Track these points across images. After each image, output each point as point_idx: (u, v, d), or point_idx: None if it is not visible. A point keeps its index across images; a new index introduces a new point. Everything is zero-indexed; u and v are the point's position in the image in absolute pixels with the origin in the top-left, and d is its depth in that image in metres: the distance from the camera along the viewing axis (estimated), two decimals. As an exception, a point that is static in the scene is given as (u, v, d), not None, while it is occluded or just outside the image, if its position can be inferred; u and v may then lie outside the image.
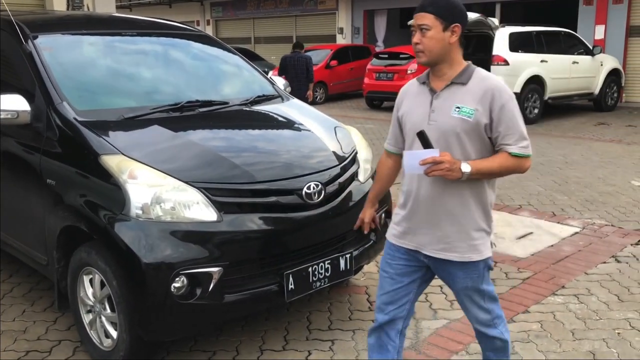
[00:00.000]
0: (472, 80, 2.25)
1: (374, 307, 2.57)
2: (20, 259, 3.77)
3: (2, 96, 3.16)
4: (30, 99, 3.26)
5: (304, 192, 3.04)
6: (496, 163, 2.23)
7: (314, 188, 3.08)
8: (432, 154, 2.13)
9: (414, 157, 2.17)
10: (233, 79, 4.29)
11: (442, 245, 2.32)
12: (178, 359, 3.19)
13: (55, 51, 3.54)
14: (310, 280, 3.08)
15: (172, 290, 2.71)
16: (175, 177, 2.83)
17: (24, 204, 3.45)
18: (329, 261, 3.14)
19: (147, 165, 2.86)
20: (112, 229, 2.77)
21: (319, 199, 3.10)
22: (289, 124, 3.74)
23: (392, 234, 2.45)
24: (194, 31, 4.49)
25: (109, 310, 2.97)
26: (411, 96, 2.39)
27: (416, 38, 2.24)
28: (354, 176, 3.47)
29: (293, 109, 3.95)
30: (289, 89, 4.52)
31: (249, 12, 24.92)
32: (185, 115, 3.47)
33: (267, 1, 23.81)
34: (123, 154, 2.90)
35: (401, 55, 14.55)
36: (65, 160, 3.11)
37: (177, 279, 2.72)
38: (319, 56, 16.97)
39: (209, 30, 26.85)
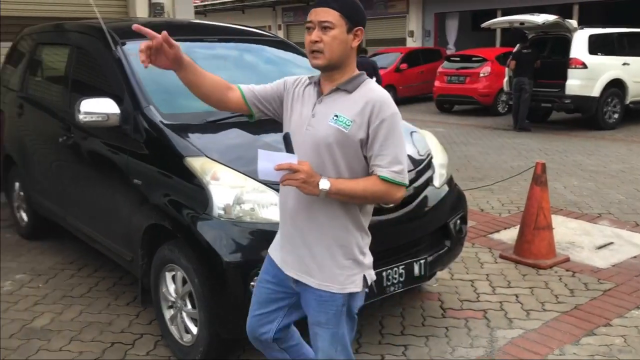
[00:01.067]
0: (358, 89, 2.00)
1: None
2: (106, 254, 3.97)
3: (94, 100, 3.34)
4: (119, 102, 3.43)
5: (381, 196, 3.05)
6: (361, 186, 1.96)
7: (389, 192, 3.08)
8: (289, 159, 1.86)
9: (270, 159, 1.86)
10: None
11: (304, 267, 2.08)
12: (253, 358, 3.27)
13: (142, 57, 3.69)
14: (384, 285, 3.08)
15: (251, 289, 2.78)
16: (254, 179, 2.90)
17: (111, 203, 3.62)
18: (403, 266, 3.13)
19: (228, 167, 2.95)
20: (194, 227, 2.87)
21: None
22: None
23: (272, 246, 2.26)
24: (269, 36, 4.59)
25: (189, 307, 3.07)
26: (301, 90, 2.12)
27: (315, 35, 1.94)
28: (429, 181, 3.46)
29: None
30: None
31: (318, 16, 25.13)
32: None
33: (337, 5, 23.93)
34: (206, 156, 3.00)
35: (474, 58, 14.33)
36: (151, 161, 3.25)
37: (255, 278, 2.77)
38: (388, 59, 16.91)
39: (280, 35, 27.28)
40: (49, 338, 3.48)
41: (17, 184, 5.20)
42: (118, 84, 3.57)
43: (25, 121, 4.89)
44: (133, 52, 3.69)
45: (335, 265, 2.05)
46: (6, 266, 4.61)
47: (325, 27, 1.94)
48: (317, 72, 2.09)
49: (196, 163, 2.97)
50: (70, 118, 3.82)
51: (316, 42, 1.95)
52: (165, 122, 3.27)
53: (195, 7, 29.77)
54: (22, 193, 5.13)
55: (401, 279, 3.14)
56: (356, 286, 2.08)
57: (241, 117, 3.44)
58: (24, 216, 5.18)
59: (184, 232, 2.97)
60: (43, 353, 3.32)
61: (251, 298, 2.33)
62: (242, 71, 4.11)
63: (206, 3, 28.94)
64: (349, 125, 1.96)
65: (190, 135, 3.18)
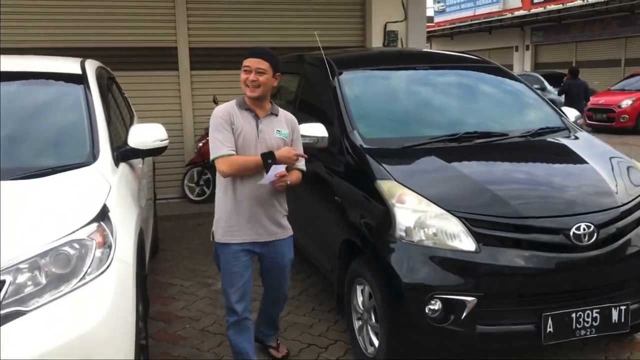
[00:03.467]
0: (280, 113, 3.15)
1: (231, 305, 3.11)
2: (314, 262, 4.37)
3: (308, 124, 3.72)
4: (330, 125, 3.79)
5: (572, 233, 2.89)
6: (296, 177, 3.09)
7: (584, 229, 2.90)
8: (282, 169, 2.90)
9: (274, 170, 2.87)
10: (518, 110, 4.24)
11: (274, 230, 3.13)
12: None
13: (354, 85, 4.03)
14: (574, 327, 2.90)
15: (427, 311, 2.86)
16: (438, 205, 2.98)
17: (318, 216, 4.01)
18: (597, 310, 2.91)
19: (414, 191, 3.07)
20: (378, 246, 3.06)
21: (590, 242, 2.91)
22: (568, 159, 3.56)
23: (226, 233, 3.07)
24: (484, 63, 4.58)
25: (374, 320, 3.25)
26: (238, 116, 3.03)
27: (253, 76, 2.96)
28: (640, 221, 3.14)
29: (578, 142, 3.74)
30: (580, 120, 4.27)
31: (572, 35, 23.60)
32: (462, 146, 3.59)
33: (593, 23, 22.20)
34: (395, 180, 3.16)
35: None
36: (349, 181, 3.54)
37: (432, 301, 2.86)
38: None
39: (527, 56, 26.21)
40: (258, 331, 3.96)
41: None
42: (331, 110, 3.94)
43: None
44: (347, 81, 4.06)
45: (286, 221, 3.23)
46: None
47: (259, 72, 2.97)
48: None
49: (385, 186, 3.16)
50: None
51: (255, 80, 2.96)
52: (365, 146, 3.52)
53: (442, 30, 30.27)
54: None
55: (595, 324, 2.92)
56: None
57: (436, 144, 3.58)
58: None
59: (370, 249, 3.17)
60: (251, 343, 3.80)
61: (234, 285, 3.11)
62: (448, 98, 4.20)
63: (453, 26, 29.14)
64: (287, 136, 3.12)
65: (385, 159, 3.37)
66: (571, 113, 4.27)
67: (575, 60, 23.38)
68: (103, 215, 2.59)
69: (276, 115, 3.12)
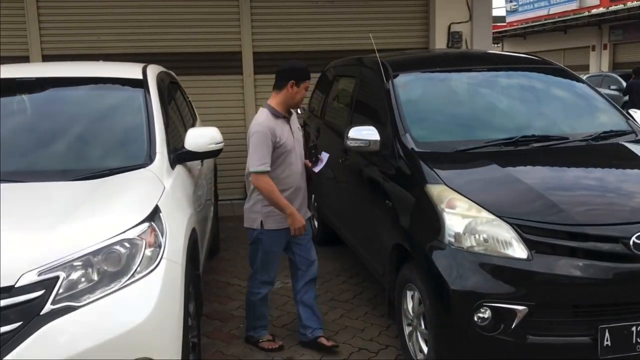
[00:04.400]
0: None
1: (269, 278, 3.73)
2: (366, 265, 4.35)
3: (360, 127, 3.73)
4: (382, 127, 3.77)
5: (631, 242, 2.74)
6: None
7: (646, 238, 2.75)
8: (327, 155, 3.74)
9: (325, 157, 3.70)
10: (580, 113, 4.07)
11: (307, 211, 3.74)
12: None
13: (408, 88, 3.99)
14: (634, 342, 2.76)
15: (475, 319, 2.79)
16: (489, 211, 2.90)
17: (370, 219, 3.98)
18: (661, 323, 2.75)
19: (464, 196, 3.00)
20: (427, 252, 3.01)
21: (653, 252, 2.75)
22: (632, 164, 3.38)
23: (277, 222, 3.54)
24: (545, 63, 4.42)
25: (423, 327, 3.20)
26: (276, 126, 3.49)
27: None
28: None
29: (646, 147, 3.55)
30: (650, 123, 4.05)
31: (655, 33, 22.39)
32: (518, 150, 3.48)
33: (679, 19, 20.98)
34: (445, 184, 3.10)
35: None
36: (400, 185, 3.50)
37: (480, 309, 2.78)
38: None
39: (605, 55, 25.11)
40: (310, 333, 3.99)
41: (312, 196, 6.01)
42: (384, 112, 3.92)
43: (321, 143, 5.63)
44: (401, 83, 4.03)
45: None
46: (295, 266, 5.36)
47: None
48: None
49: (435, 190, 3.11)
50: (347, 142, 4.35)
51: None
52: (417, 149, 3.48)
53: (514, 30, 29.42)
54: (315, 204, 5.91)
55: (659, 339, 2.76)
56: None
57: (491, 148, 3.49)
58: (316, 224, 5.95)
59: (419, 254, 3.13)
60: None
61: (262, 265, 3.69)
62: (506, 101, 4.09)
63: (526, 25, 28.28)
64: (301, 130, 3.80)
65: (436, 163, 3.32)
66: (639, 116, 4.05)
67: (658, 60, 22.17)
68: (154, 215, 2.68)
69: (291, 114, 3.73)
